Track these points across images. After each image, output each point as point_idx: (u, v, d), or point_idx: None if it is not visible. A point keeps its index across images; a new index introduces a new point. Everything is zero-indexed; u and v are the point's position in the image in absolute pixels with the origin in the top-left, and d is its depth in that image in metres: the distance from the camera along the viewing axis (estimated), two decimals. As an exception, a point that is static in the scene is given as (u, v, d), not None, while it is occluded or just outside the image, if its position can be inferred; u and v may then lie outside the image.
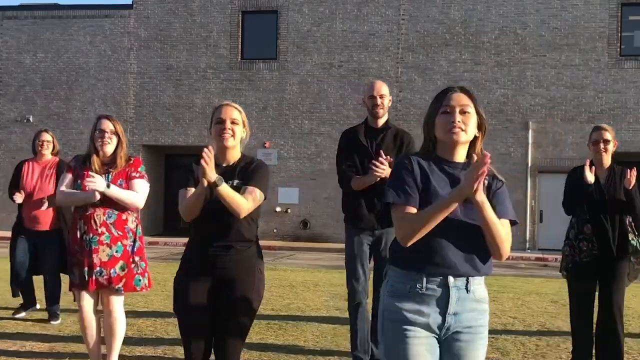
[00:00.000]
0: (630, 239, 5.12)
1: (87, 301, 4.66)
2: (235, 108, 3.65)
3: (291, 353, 5.67)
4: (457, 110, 2.60)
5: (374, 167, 4.73)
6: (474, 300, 2.60)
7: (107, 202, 4.57)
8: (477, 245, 2.56)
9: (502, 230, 2.53)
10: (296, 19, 20.43)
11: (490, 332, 6.84)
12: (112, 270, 4.57)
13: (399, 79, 19.80)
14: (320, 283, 10.15)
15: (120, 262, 4.60)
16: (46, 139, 6.85)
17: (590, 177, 5.04)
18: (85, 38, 21.49)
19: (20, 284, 6.94)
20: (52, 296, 6.78)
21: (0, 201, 21.54)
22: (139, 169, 4.73)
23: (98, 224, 4.57)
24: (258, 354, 5.59)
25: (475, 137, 2.68)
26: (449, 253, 2.54)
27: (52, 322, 6.72)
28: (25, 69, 21.78)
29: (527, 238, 19.02)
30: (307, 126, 20.25)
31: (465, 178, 2.44)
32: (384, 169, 4.72)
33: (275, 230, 19.82)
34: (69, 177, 4.68)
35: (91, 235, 4.56)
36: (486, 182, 2.58)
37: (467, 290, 2.58)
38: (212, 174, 3.31)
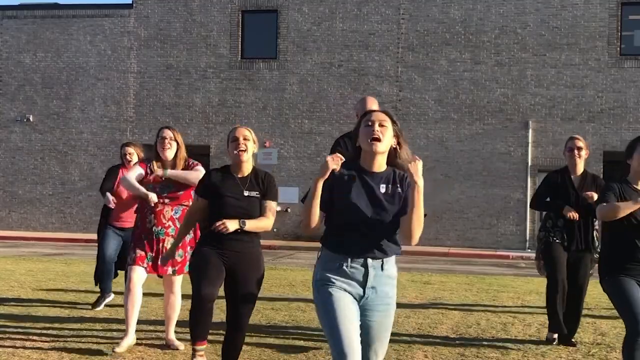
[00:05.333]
0: (594, 236, 6.03)
1: (138, 277, 5.44)
2: (246, 129, 4.56)
3: (291, 352, 5.68)
4: (377, 123, 3.28)
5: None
6: (387, 277, 3.30)
7: (175, 200, 5.49)
8: (387, 233, 3.26)
9: (421, 214, 3.20)
10: (296, 18, 20.43)
11: (490, 331, 6.88)
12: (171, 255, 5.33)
13: (399, 78, 19.80)
14: (320, 282, 10.13)
15: (180, 251, 5.40)
16: (128, 152, 7.64)
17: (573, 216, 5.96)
18: (85, 37, 21.48)
19: (106, 276, 7.48)
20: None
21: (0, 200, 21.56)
22: (192, 162, 5.62)
23: (167, 218, 5.48)
24: (258, 353, 5.59)
25: (395, 148, 3.34)
26: (367, 242, 3.23)
27: None
28: (25, 69, 21.77)
29: (527, 238, 19.01)
30: (307, 125, 20.25)
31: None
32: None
33: (275, 230, 19.79)
34: (140, 169, 5.60)
35: (160, 227, 5.46)
36: (392, 189, 3.27)
37: (382, 269, 3.28)
38: (234, 226, 4.33)
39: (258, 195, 4.45)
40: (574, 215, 5.90)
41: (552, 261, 6.05)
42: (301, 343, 6.00)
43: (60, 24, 21.66)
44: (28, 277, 10.11)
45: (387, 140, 3.28)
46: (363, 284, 3.25)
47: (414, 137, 19.59)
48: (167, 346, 5.72)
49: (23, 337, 6.01)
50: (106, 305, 7.54)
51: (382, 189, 3.27)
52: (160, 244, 5.46)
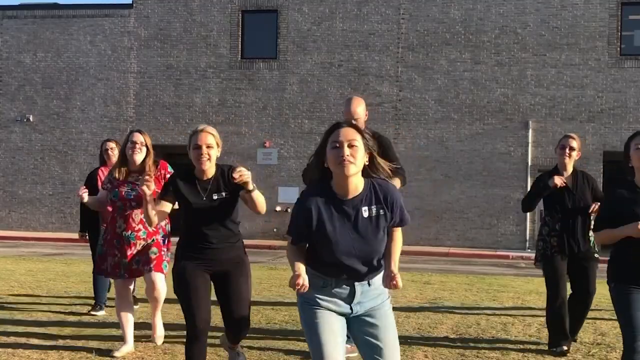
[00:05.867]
0: (590, 235, 5.83)
1: (123, 287, 5.48)
2: (210, 133, 4.23)
3: (291, 353, 5.68)
4: (346, 144, 2.98)
5: None
6: (374, 289, 3.17)
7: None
8: (376, 257, 3.12)
9: (399, 250, 3.16)
10: (296, 18, 20.43)
11: (490, 331, 6.86)
12: (144, 255, 5.35)
13: (399, 78, 19.80)
14: (320, 282, 10.11)
15: (153, 248, 5.38)
16: (110, 147, 7.31)
17: (559, 181, 5.76)
18: (85, 37, 21.49)
19: (101, 285, 7.35)
20: None
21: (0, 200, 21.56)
22: (169, 169, 5.45)
23: (136, 222, 5.35)
24: (258, 353, 5.59)
25: (369, 163, 3.08)
26: (354, 266, 3.08)
27: None
28: (25, 69, 21.78)
29: (527, 237, 19.01)
30: (307, 125, 20.25)
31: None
32: None
33: (275, 230, 19.81)
34: (103, 193, 5.54)
35: (129, 232, 5.34)
36: (376, 211, 3.06)
37: (369, 284, 3.16)
38: (249, 177, 4.05)
39: (227, 196, 4.24)
40: (561, 181, 5.70)
41: (552, 277, 5.85)
42: (301, 343, 6.00)
43: (60, 24, 21.67)
44: (28, 277, 10.11)
45: (359, 161, 3.00)
46: (349, 301, 3.14)
47: (414, 137, 19.60)
48: (153, 333, 5.73)
49: (23, 337, 6.01)
50: (106, 306, 7.53)
51: (365, 212, 3.06)
52: (132, 248, 5.35)
